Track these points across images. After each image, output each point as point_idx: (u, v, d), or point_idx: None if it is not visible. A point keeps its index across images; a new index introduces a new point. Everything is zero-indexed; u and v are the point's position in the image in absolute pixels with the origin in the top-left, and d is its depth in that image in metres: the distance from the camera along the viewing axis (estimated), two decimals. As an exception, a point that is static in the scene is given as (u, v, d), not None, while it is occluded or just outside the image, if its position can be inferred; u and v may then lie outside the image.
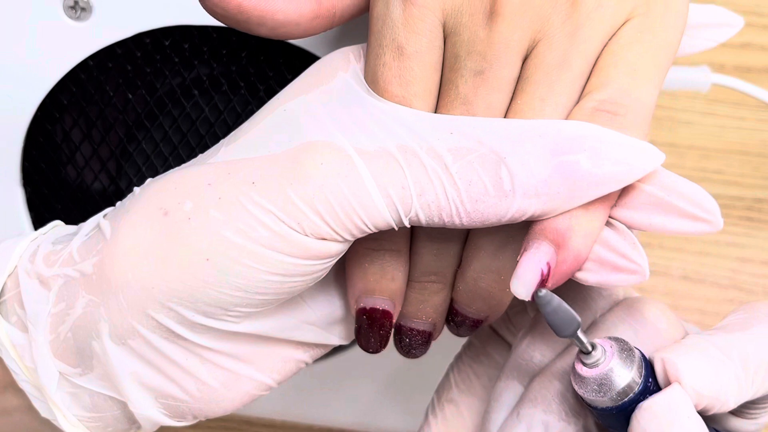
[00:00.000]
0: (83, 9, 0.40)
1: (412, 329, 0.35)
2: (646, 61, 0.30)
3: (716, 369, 0.30)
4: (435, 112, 0.31)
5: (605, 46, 0.31)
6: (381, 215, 0.29)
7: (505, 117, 0.30)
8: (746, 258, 0.60)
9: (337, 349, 0.48)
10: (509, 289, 0.30)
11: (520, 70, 0.30)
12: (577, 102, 0.31)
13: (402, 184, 0.29)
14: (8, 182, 0.43)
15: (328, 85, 0.31)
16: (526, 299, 0.29)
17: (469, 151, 0.29)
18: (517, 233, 0.31)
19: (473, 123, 0.30)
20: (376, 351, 0.35)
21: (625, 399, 0.30)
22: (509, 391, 0.34)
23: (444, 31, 0.30)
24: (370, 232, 0.30)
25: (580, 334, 0.30)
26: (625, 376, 0.30)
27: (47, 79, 0.41)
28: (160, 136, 0.43)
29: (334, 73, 0.32)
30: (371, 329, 0.34)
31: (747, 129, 0.60)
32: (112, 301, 0.31)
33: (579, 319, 0.29)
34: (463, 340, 0.37)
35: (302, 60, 0.41)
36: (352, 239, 0.30)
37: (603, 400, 0.30)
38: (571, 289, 0.35)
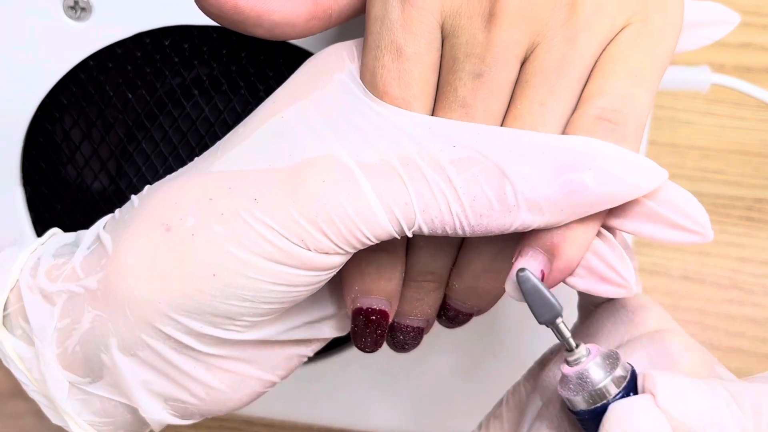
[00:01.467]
0: (83, 9, 0.40)
1: (406, 326, 0.35)
2: (645, 67, 0.30)
3: (712, 405, 0.28)
4: (433, 114, 0.31)
5: (603, 50, 0.30)
6: (384, 229, 0.29)
7: (504, 121, 0.30)
8: (746, 258, 0.60)
9: (336, 349, 0.48)
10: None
11: (518, 74, 0.30)
12: (576, 105, 0.30)
13: (405, 200, 0.29)
14: (8, 182, 0.44)
15: (325, 89, 0.31)
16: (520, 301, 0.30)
17: (472, 162, 0.29)
18: (517, 238, 0.31)
19: (476, 132, 0.29)
20: (372, 350, 0.35)
21: (598, 404, 0.29)
22: (532, 405, 0.34)
23: (442, 33, 0.30)
24: (372, 243, 0.30)
25: (561, 325, 0.30)
26: (600, 378, 0.29)
27: (47, 79, 0.41)
28: (160, 136, 0.43)
29: (330, 76, 0.31)
30: (368, 329, 0.34)
31: (747, 129, 0.60)
32: (120, 316, 0.31)
33: (559, 307, 0.29)
34: (451, 332, 0.37)
35: (302, 60, 0.40)
36: (354, 251, 0.30)
37: (578, 400, 0.30)
38: (605, 311, 0.35)
